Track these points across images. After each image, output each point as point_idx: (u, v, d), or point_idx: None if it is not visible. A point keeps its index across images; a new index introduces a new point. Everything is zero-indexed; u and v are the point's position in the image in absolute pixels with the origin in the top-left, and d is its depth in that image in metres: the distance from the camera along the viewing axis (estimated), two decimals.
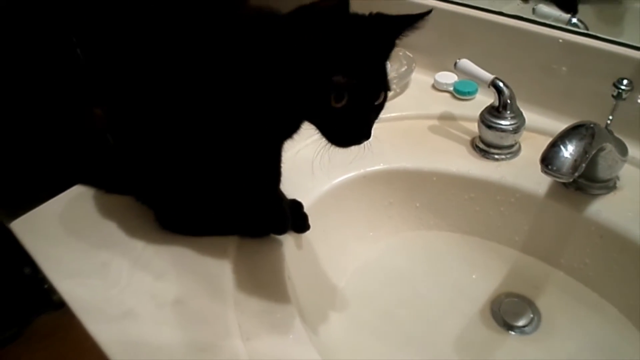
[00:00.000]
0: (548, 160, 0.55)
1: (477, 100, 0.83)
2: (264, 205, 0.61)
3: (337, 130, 0.45)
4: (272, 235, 0.62)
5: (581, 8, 0.80)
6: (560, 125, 0.60)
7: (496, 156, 0.73)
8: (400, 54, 0.88)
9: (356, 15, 0.44)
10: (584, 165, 0.55)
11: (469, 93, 0.83)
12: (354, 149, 0.46)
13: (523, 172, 0.70)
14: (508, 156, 0.73)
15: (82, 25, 1.03)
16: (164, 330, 0.52)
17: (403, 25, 0.44)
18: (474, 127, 0.75)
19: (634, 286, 0.62)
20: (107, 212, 0.66)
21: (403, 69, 0.86)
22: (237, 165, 0.57)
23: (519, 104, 0.71)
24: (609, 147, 0.60)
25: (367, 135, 0.45)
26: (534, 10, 0.81)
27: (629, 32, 0.73)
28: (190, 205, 0.61)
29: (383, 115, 0.47)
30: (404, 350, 0.62)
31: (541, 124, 0.75)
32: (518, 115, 0.71)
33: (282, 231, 0.62)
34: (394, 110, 0.80)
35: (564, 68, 0.75)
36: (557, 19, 0.78)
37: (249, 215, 0.61)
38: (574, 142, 0.55)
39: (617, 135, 0.64)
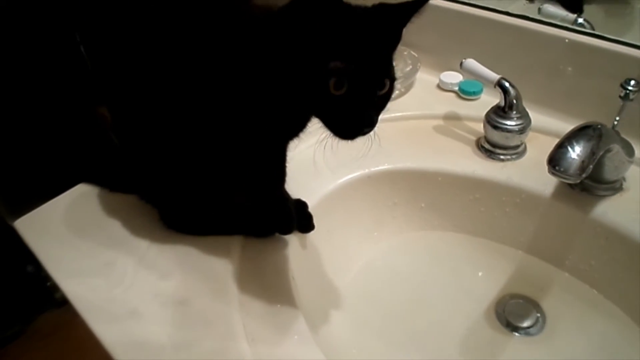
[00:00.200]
0: (555, 161, 0.54)
1: (483, 100, 0.83)
2: (269, 204, 0.60)
3: (339, 120, 0.44)
4: (277, 235, 0.62)
5: (587, 8, 0.79)
6: (566, 125, 0.59)
7: (502, 157, 0.72)
8: (405, 53, 0.88)
9: (356, 5, 0.44)
10: (591, 166, 0.54)
11: (474, 93, 0.83)
12: (359, 144, 0.45)
13: (529, 172, 0.70)
14: (514, 157, 0.73)
15: (85, 23, 1.03)
16: (168, 330, 0.52)
17: (405, 13, 0.44)
18: (479, 127, 0.75)
19: None
20: (111, 211, 0.65)
21: (408, 69, 0.85)
22: (242, 165, 0.56)
23: (525, 104, 0.71)
24: (616, 148, 0.59)
25: (370, 124, 0.44)
26: (539, 10, 0.80)
27: (636, 32, 0.73)
28: (195, 205, 0.61)
29: (388, 115, 0.47)
30: (408, 350, 0.62)
31: (547, 124, 0.75)
32: (524, 116, 0.71)
33: (287, 231, 0.62)
34: (398, 110, 0.80)
35: (570, 68, 0.74)
36: (563, 19, 0.78)
37: (253, 214, 0.61)
38: (582, 143, 0.54)
39: (623, 136, 0.63)
